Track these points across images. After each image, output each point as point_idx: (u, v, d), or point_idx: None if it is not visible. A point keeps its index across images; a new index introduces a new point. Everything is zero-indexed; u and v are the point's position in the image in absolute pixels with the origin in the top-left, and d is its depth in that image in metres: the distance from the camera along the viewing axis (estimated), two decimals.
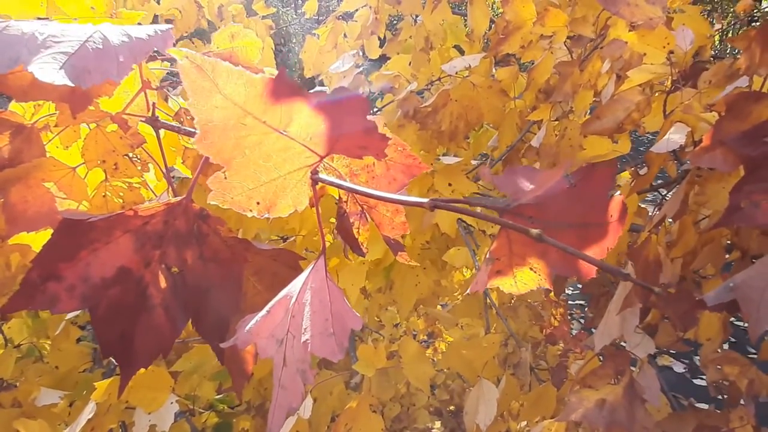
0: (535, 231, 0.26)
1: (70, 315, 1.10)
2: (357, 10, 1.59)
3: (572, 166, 1.00)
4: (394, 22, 1.89)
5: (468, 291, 0.31)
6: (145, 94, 0.45)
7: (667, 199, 0.74)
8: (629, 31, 0.78)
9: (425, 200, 0.29)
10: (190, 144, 0.57)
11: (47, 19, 0.45)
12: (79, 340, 1.35)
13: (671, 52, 0.71)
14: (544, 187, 0.32)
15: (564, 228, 0.32)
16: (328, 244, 1.22)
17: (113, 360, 1.44)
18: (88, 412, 0.90)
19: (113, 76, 0.29)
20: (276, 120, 0.28)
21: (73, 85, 0.26)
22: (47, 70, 0.26)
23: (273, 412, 0.30)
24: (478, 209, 0.33)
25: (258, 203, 0.31)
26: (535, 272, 0.33)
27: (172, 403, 0.98)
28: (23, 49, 0.28)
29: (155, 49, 0.32)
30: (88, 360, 1.33)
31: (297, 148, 0.30)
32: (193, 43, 1.79)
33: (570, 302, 3.42)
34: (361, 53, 1.48)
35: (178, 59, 0.24)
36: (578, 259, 0.32)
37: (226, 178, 0.29)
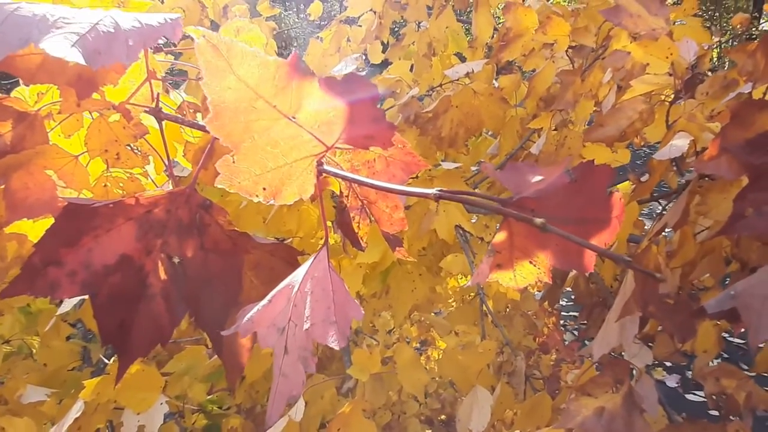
0: (539, 220, 0.26)
1: (60, 311, 1.09)
2: (360, 15, 1.60)
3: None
4: (396, 28, 1.90)
5: (469, 283, 0.31)
6: (150, 84, 0.44)
7: (667, 210, 0.74)
8: (631, 41, 0.79)
9: (430, 191, 0.29)
10: (192, 137, 0.57)
11: None
12: (68, 338, 1.33)
13: (673, 63, 0.71)
14: (545, 181, 0.32)
15: (564, 222, 0.32)
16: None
17: (103, 359, 1.42)
18: (76, 410, 0.89)
19: (122, 59, 0.29)
20: (286, 105, 0.28)
21: (84, 62, 0.26)
22: (59, 46, 0.26)
23: (273, 400, 0.30)
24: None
25: (264, 189, 0.30)
26: (534, 265, 0.33)
27: (161, 404, 0.97)
28: (34, 30, 0.28)
29: (165, 36, 0.32)
30: (77, 358, 1.31)
31: (305, 136, 0.30)
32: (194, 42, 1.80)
33: (563, 313, 3.42)
34: (363, 57, 1.49)
35: (195, 38, 0.24)
36: (577, 252, 0.32)
37: (234, 162, 0.29)
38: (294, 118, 0.28)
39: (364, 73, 1.46)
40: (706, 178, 0.64)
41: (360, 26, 1.64)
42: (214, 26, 1.80)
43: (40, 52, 0.32)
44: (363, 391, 1.05)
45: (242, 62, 0.26)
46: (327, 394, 1.16)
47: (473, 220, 1.30)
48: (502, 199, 0.29)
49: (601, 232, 0.33)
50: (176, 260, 0.40)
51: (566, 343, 1.76)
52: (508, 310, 1.69)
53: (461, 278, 1.78)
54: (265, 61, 0.26)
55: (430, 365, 1.90)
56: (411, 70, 1.47)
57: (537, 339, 1.68)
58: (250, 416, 1.43)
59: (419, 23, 1.56)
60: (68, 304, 1.01)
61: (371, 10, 1.57)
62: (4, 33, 0.27)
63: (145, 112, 0.44)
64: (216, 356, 1.14)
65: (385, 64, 1.58)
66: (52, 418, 1.07)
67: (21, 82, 0.52)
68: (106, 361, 1.36)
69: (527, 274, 0.34)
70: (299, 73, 0.27)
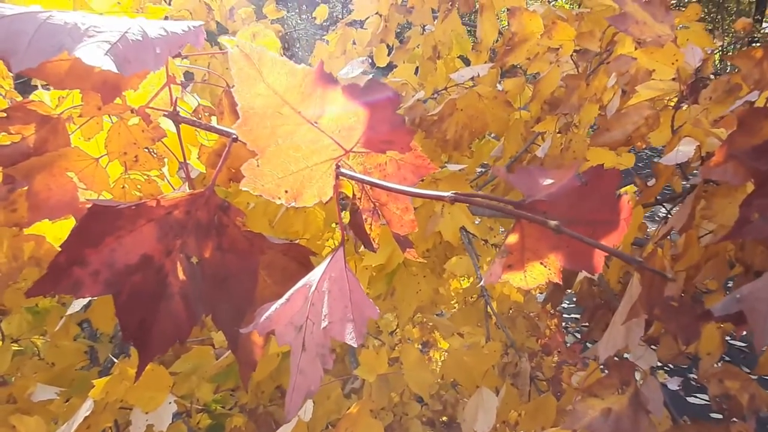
0: (553, 222, 0.27)
1: (70, 311, 1.10)
2: (366, 18, 1.61)
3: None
4: (401, 31, 1.92)
5: (482, 283, 0.33)
6: (170, 89, 0.46)
7: (672, 214, 0.75)
8: (636, 47, 0.80)
9: (446, 193, 0.30)
10: (207, 140, 0.58)
11: None
12: (75, 338, 1.34)
13: (679, 68, 0.72)
14: (556, 184, 0.33)
15: (574, 224, 0.33)
16: (328, 249, 1.23)
17: (112, 358, 1.43)
18: (86, 409, 0.90)
19: (150, 67, 0.30)
20: (309, 111, 0.29)
21: (117, 70, 0.27)
22: (94, 54, 0.27)
23: (291, 396, 0.31)
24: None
25: (286, 192, 0.32)
26: (545, 267, 0.34)
27: (170, 403, 0.97)
28: (67, 38, 0.29)
29: (189, 43, 0.33)
30: (84, 358, 1.32)
31: (325, 140, 0.31)
32: None
33: (565, 315, 3.42)
34: (369, 60, 1.50)
35: (228, 47, 0.25)
36: (587, 253, 0.33)
37: (258, 165, 0.30)
38: (317, 123, 0.30)
39: (370, 76, 1.47)
40: (711, 183, 0.65)
41: (365, 29, 1.65)
42: (221, 28, 1.82)
43: (68, 59, 0.33)
44: (370, 392, 1.05)
45: (272, 70, 0.27)
46: (333, 395, 1.17)
47: (476, 222, 1.31)
48: (515, 201, 0.30)
49: (609, 234, 0.34)
50: (194, 260, 0.41)
51: (568, 344, 1.76)
52: (511, 311, 1.69)
53: (464, 280, 1.79)
54: (293, 70, 0.27)
55: (432, 366, 1.90)
56: (416, 73, 1.49)
57: (539, 340, 1.68)
58: (253, 416, 1.44)
59: (424, 26, 1.57)
60: (77, 305, 1.02)
61: (377, 13, 1.59)
62: (38, 41, 0.28)
63: (164, 115, 0.45)
64: (222, 357, 1.15)
65: (391, 66, 1.59)
66: (58, 417, 1.08)
67: (39, 85, 0.54)
68: (115, 360, 1.37)
69: (538, 275, 0.35)
70: (324, 81, 0.28)
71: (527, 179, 0.35)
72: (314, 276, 0.35)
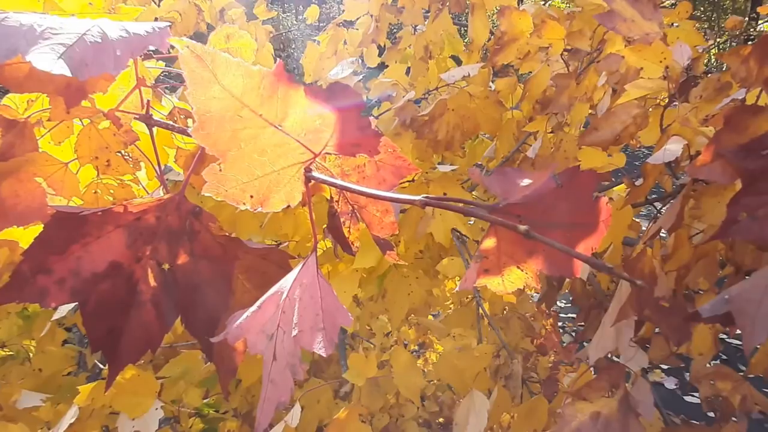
0: (523, 227, 0.26)
1: (56, 316, 1.08)
2: (357, 18, 1.60)
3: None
4: (394, 30, 1.91)
5: (457, 288, 0.32)
6: (140, 91, 0.44)
7: (662, 213, 0.74)
8: (625, 46, 0.79)
9: (417, 198, 0.29)
10: (183, 143, 0.57)
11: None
12: (64, 342, 1.33)
13: (667, 67, 0.71)
14: (532, 187, 0.32)
15: (551, 227, 0.32)
16: (320, 252, 1.22)
17: (98, 364, 1.42)
18: (71, 416, 0.89)
19: (110, 70, 0.29)
20: (272, 114, 0.28)
21: (70, 75, 0.26)
22: (45, 59, 0.26)
23: (262, 406, 0.30)
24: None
25: (251, 197, 0.30)
26: (522, 271, 0.33)
27: (157, 409, 0.96)
28: (21, 40, 0.28)
29: (153, 45, 0.32)
30: (72, 363, 1.31)
31: (292, 144, 0.30)
32: None
33: (561, 315, 3.42)
34: (360, 61, 1.49)
35: (179, 48, 0.24)
36: (565, 258, 0.32)
37: (221, 170, 0.29)
38: (281, 126, 0.28)
39: (361, 76, 1.46)
40: (701, 182, 0.64)
41: (357, 29, 1.65)
42: (211, 29, 1.80)
43: (28, 62, 0.32)
44: (359, 396, 1.04)
45: (227, 72, 0.26)
46: (323, 399, 1.16)
47: (470, 222, 1.30)
48: (488, 205, 0.29)
49: (588, 237, 0.34)
50: (166, 267, 0.40)
51: (564, 344, 1.75)
52: (505, 312, 1.69)
53: (459, 281, 1.78)
54: (249, 71, 0.26)
55: (428, 368, 1.89)
56: (407, 73, 1.48)
57: (534, 341, 1.67)
58: (247, 420, 1.43)
59: (415, 26, 1.56)
60: (64, 309, 1.01)
61: (368, 13, 1.58)
62: None
63: (135, 119, 0.44)
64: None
65: (383, 66, 1.58)
66: (49, 423, 1.07)
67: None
68: (102, 366, 1.36)
69: (515, 279, 0.34)
70: (284, 81, 0.27)
71: (503, 182, 0.34)
72: (286, 283, 0.34)
